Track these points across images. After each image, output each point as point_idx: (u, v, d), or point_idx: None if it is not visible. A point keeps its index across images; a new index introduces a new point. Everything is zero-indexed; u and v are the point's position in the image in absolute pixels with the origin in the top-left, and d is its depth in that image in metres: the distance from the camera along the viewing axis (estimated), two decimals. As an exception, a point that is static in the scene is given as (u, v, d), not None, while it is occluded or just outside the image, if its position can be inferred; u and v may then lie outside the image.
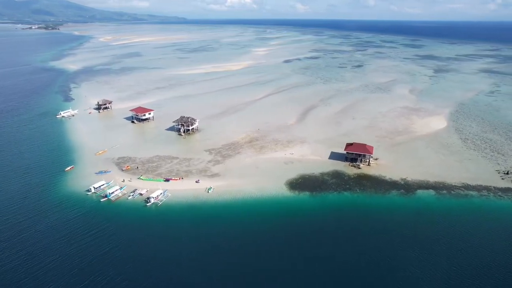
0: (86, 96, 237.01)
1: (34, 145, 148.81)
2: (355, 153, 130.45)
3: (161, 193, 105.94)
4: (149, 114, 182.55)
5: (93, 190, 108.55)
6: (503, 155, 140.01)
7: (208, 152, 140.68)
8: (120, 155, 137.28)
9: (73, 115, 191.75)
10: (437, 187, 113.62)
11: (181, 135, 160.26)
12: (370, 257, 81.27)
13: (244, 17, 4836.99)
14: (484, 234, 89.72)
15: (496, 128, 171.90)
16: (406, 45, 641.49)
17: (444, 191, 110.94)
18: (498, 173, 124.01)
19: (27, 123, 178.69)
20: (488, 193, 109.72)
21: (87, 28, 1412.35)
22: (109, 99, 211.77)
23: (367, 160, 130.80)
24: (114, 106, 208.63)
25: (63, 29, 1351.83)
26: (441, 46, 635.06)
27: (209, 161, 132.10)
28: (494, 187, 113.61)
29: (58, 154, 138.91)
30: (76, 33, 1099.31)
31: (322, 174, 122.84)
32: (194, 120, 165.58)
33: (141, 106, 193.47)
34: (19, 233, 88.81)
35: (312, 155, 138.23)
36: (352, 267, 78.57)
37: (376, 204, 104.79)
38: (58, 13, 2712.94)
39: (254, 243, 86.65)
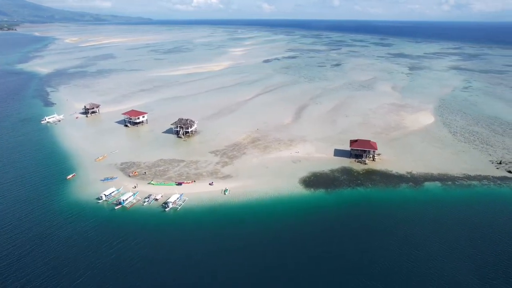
0: (68, 100, 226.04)
1: (26, 153, 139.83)
2: (360, 149, 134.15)
3: (178, 198, 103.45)
4: (143, 117, 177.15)
5: (104, 198, 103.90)
6: (491, 146, 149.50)
7: (213, 154, 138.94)
8: (122, 160, 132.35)
9: (59, 120, 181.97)
10: (442, 178, 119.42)
11: (181, 137, 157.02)
12: (399, 250, 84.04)
13: (210, 17, 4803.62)
14: (496, 222, 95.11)
15: (479, 122, 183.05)
16: (376, 44, 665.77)
17: (449, 182, 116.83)
18: (492, 163, 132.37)
19: (9, 131, 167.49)
20: (489, 182, 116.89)
21: (47, 29, 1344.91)
22: (90, 102, 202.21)
23: (371, 156, 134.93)
24: (101, 110, 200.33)
25: (20, 30, 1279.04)
26: (408, 44, 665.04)
27: (217, 163, 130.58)
28: (492, 176, 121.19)
29: (55, 162, 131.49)
30: (37, 34, 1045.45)
31: (332, 171, 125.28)
32: (193, 122, 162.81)
33: (133, 109, 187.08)
34: (36, 248, 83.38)
35: (317, 153, 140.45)
36: (380, 260, 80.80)
37: (389, 197, 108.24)
38: (12, 12, 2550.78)
39: (279, 243, 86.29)
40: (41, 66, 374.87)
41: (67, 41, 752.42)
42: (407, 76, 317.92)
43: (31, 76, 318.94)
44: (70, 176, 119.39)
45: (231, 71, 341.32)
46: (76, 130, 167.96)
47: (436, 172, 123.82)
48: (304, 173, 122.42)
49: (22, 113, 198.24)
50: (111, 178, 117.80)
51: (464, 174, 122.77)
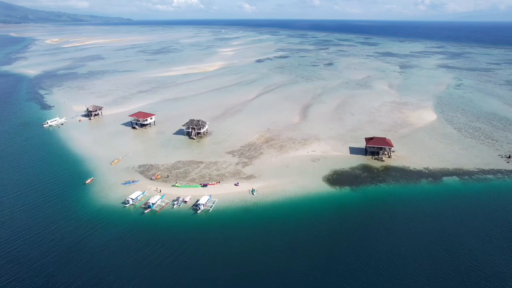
0: (65, 102, 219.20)
1: (35, 159, 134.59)
2: (377, 147, 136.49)
3: (208, 199, 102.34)
4: (151, 118, 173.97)
5: (131, 202, 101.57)
6: (496, 141, 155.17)
7: (230, 155, 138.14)
8: (139, 163, 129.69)
9: (62, 124, 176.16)
10: (458, 173, 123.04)
11: (193, 138, 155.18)
12: (436, 245, 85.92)
13: (191, 18, 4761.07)
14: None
15: (479, 118, 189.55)
16: (363, 43, 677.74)
17: (466, 177, 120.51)
18: (502, 157, 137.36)
19: (12, 135, 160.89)
20: (503, 176, 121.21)
21: (24, 29, 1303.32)
22: (92, 104, 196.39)
23: (387, 153, 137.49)
24: (103, 112, 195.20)
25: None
26: (393, 44, 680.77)
27: (237, 163, 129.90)
28: (505, 170, 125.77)
29: (68, 167, 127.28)
30: (13, 34, 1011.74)
31: (352, 168, 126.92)
32: (205, 122, 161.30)
33: (140, 111, 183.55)
34: (74, 256, 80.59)
35: (333, 151, 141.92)
36: (422, 254, 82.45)
37: (413, 193, 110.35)
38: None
39: (316, 241, 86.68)
40: (27, 68, 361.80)
41: (48, 42, 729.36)
42: (400, 74, 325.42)
43: (19, 78, 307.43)
44: (88, 180, 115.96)
45: (226, 71, 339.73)
46: (82, 133, 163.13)
47: (452, 167, 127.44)
48: (326, 171, 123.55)
49: (20, 116, 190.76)
50: (133, 182, 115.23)
51: (478, 168, 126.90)
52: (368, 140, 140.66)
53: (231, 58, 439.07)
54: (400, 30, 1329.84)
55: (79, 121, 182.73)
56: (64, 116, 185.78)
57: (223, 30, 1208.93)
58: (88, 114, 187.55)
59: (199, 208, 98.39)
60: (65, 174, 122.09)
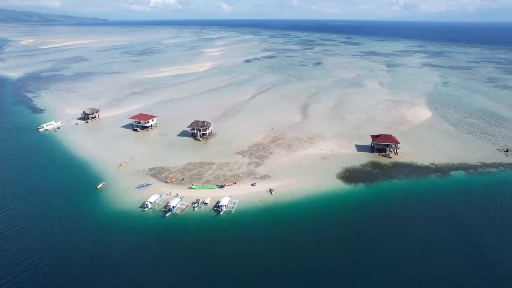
0: (57, 105, 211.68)
1: (38, 164, 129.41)
2: (383, 144, 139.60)
3: (229, 200, 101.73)
4: (152, 120, 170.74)
5: (149, 206, 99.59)
6: (492, 136, 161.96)
7: (240, 155, 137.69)
8: (150, 166, 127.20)
9: (58, 128, 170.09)
10: (463, 168, 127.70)
11: (199, 140, 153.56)
12: (461, 239, 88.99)
13: (169, 18, 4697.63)
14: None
15: (471, 114, 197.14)
16: (346, 43, 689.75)
17: (471, 171, 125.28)
18: (500, 151, 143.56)
19: (8, 141, 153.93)
20: (505, 169, 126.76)
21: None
22: (89, 107, 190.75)
23: (393, 150, 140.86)
24: (100, 114, 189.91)
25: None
26: (375, 43, 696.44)
27: (249, 164, 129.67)
28: (505, 163, 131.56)
29: (76, 172, 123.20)
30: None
31: (363, 165, 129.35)
32: (209, 123, 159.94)
33: (140, 113, 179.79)
34: (107, 267, 78.25)
35: (341, 149, 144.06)
36: (447, 249, 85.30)
37: (425, 188, 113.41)
38: None
39: (339, 240, 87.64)
40: (7, 70, 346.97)
41: (23, 42, 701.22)
42: (388, 73, 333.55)
43: (1, 81, 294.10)
44: (100, 185, 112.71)
45: (217, 72, 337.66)
46: (82, 137, 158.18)
47: (456, 162, 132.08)
48: (338, 169, 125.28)
49: (12, 121, 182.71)
50: (147, 185, 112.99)
51: (481, 162, 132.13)
52: (374, 137, 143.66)
53: (218, 59, 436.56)
54: (378, 29, 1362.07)
55: (76, 124, 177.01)
56: (60, 120, 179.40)
57: (204, 31, 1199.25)
58: (85, 117, 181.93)
59: (221, 209, 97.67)
60: (73, 179, 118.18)
